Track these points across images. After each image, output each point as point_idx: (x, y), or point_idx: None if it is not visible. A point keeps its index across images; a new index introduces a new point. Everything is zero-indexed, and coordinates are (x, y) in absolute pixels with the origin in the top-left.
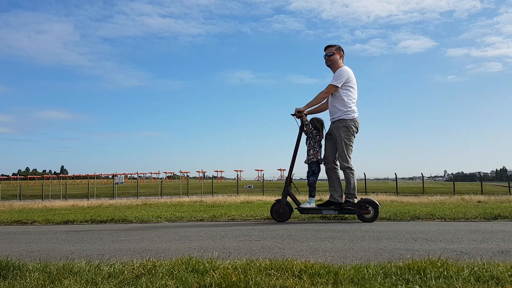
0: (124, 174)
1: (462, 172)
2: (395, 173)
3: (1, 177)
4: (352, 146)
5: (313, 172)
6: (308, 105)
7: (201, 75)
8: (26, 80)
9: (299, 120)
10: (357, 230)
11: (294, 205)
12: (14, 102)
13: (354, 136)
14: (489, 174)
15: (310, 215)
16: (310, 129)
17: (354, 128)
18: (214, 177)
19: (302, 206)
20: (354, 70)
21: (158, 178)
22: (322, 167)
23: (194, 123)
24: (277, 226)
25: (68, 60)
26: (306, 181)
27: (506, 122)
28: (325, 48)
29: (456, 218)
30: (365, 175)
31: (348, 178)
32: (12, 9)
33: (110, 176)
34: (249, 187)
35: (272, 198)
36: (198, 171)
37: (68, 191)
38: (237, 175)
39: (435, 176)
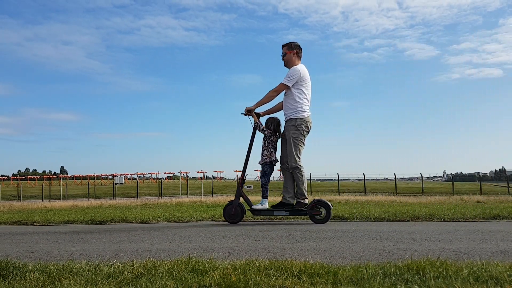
0: (124, 174)
1: (461, 172)
2: (394, 174)
3: (1, 177)
4: (301, 146)
5: (264, 173)
6: (258, 104)
7: (213, 79)
8: (43, 85)
9: (252, 120)
10: (357, 230)
11: (247, 206)
12: (26, 105)
13: (304, 136)
14: (488, 175)
15: (262, 215)
16: (263, 129)
17: (304, 127)
18: (214, 178)
19: (254, 207)
20: (362, 76)
21: (158, 178)
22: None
23: (193, 123)
24: (276, 227)
25: (88, 68)
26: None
27: (505, 123)
28: (282, 48)
29: (455, 218)
30: (364, 176)
31: (297, 178)
32: (45, 22)
33: (110, 177)
34: (249, 187)
35: (271, 199)
36: (198, 172)
37: (68, 191)
38: (237, 175)
39: (434, 176)
